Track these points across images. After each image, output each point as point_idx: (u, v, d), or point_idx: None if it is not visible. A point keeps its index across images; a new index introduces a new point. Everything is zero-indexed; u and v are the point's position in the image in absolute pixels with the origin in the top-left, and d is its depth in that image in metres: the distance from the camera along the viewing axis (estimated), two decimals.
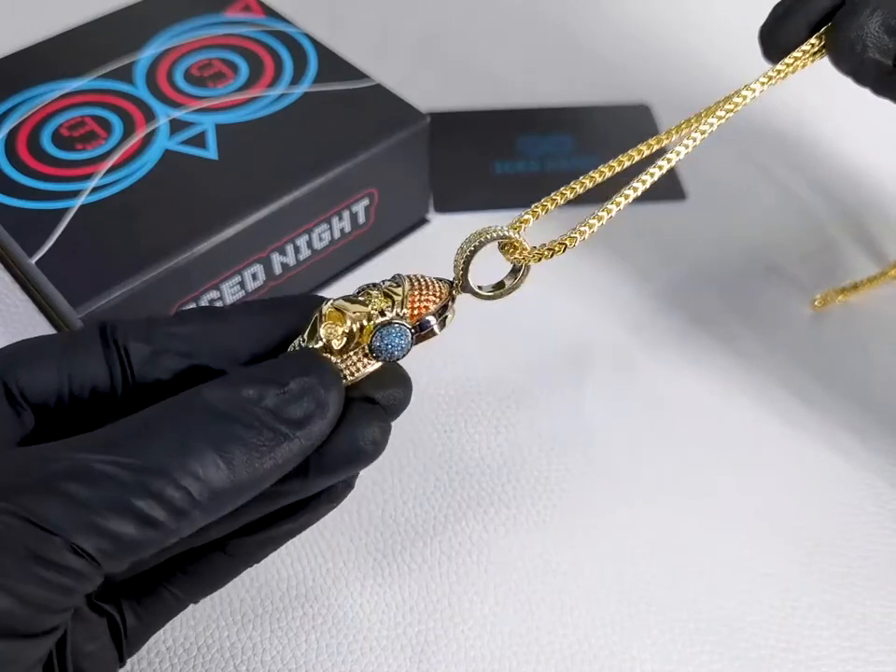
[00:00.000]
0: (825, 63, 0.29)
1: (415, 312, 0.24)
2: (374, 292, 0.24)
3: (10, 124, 0.37)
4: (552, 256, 0.24)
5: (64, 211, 0.34)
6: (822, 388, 0.37)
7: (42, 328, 0.37)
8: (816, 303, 0.40)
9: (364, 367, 0.23)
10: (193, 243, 0.33)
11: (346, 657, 0.29)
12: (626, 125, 0.48)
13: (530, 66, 0.51)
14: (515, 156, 0.46)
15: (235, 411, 0.20)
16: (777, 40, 0.29)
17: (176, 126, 0.37)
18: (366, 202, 0.39)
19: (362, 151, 0.37)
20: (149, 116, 0.38)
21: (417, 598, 0.31)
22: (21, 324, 0.37)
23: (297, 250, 0.37)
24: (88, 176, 0.35)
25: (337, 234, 0.39)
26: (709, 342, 0.39)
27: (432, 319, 0.24)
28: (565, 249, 0.24)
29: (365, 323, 0.23)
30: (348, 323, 0.23)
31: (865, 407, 0.37)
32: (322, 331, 0.23)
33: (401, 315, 0.24)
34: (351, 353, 0.23)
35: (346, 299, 0.24)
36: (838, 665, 0.30)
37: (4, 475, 0.19)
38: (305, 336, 0.23)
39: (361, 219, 0.39)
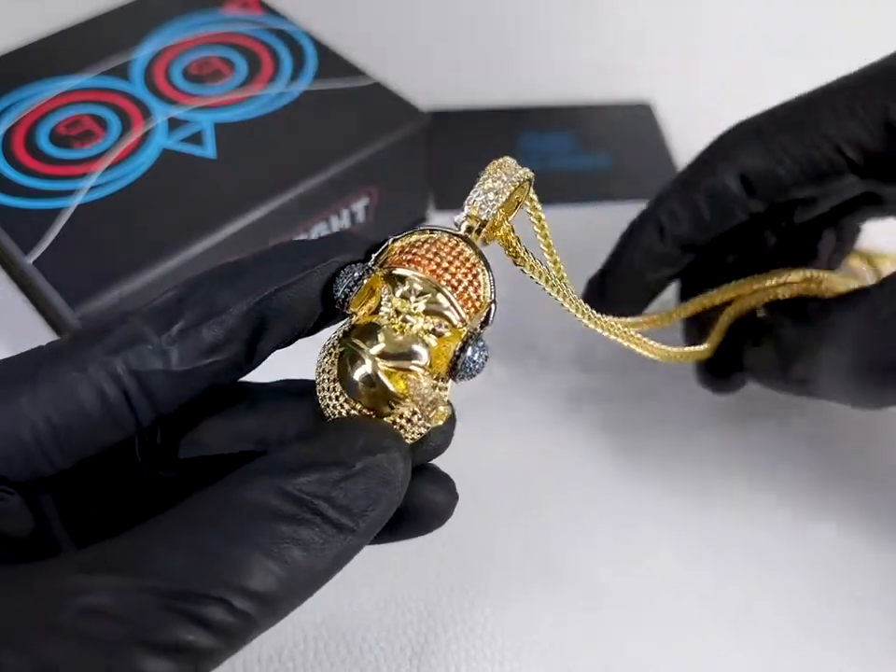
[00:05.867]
0: None
1: (469, 305, 0.19)
2: (389, 309, 0.19)
3: (7, 123, 0.37)
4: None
5: (61, 210, 0.34)
6: None
7: (39, 328, 0.36)
8: None
9: (425, 422, 0.20)
10: (191, 242, 0.33)
11: (346, 657, 0.29)
12: (628, 124, 0.48)
13: (532, 64, 0.51)
14: (516, 154, 0.46)
15: (291, 509, 0.17)
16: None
17: (174, 124, 0.37)
18: (365, 200, 0.39)
19: (361, 150, 0.37)
20: (147, 114, 0.38)
21: (417, 598, 0.31)
22: (19, 324, 0.37)
23: None
24: (85, 175, 0.35)
25: None
26: None
27: (491, 307, 0.20)
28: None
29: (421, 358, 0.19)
30: (425, 382, 0.19)
31: None
32: (399, 389, 0.19)
33: (463, 319, 0.19)
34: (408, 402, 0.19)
35: (368, 334, 0.19)
36: None
37: (12, 610, 0.16)
38: (340, 383, 0.19)
39: (360, 218, 0.39)
